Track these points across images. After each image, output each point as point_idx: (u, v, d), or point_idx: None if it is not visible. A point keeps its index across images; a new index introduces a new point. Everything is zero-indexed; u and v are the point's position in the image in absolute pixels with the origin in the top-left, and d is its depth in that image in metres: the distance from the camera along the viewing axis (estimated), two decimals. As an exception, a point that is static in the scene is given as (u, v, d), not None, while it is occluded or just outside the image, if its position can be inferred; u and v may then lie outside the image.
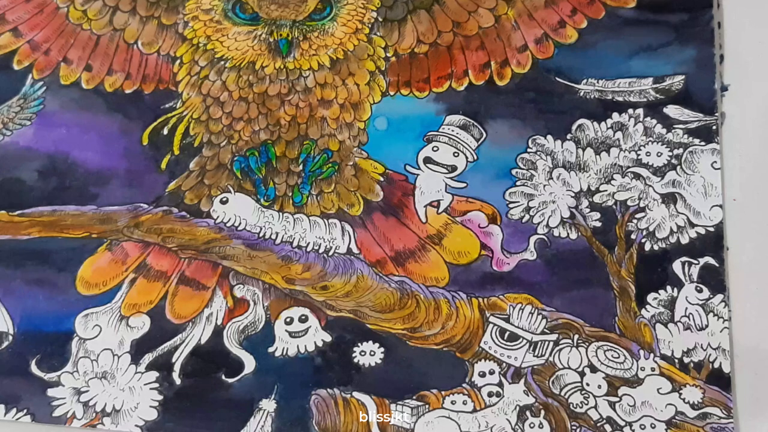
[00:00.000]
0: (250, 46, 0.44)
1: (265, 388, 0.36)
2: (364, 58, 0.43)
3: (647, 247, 0.38)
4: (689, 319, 0.36)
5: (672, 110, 0.41)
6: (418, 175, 0.41)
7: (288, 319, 0.38)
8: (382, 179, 0.41)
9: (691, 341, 0.36)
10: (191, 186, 0.41)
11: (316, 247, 0.39)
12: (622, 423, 0.34)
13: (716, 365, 0.35)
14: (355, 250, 0.39)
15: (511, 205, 0.40)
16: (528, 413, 0.35)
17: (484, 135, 0.41)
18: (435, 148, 0.41)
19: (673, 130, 0.40)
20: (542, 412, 0.35)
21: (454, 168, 0.41)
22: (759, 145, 0.40)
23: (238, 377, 0.36)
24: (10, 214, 0.41)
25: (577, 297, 0.37)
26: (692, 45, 0.41)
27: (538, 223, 0.39)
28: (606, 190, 0.39)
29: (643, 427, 0.34)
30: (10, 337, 0.38)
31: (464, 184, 0.40)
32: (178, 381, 0.37)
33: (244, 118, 0.42)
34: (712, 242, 0.38)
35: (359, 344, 0.37)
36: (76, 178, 0.41)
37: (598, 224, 0.39)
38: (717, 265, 0.37)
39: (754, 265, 0.37)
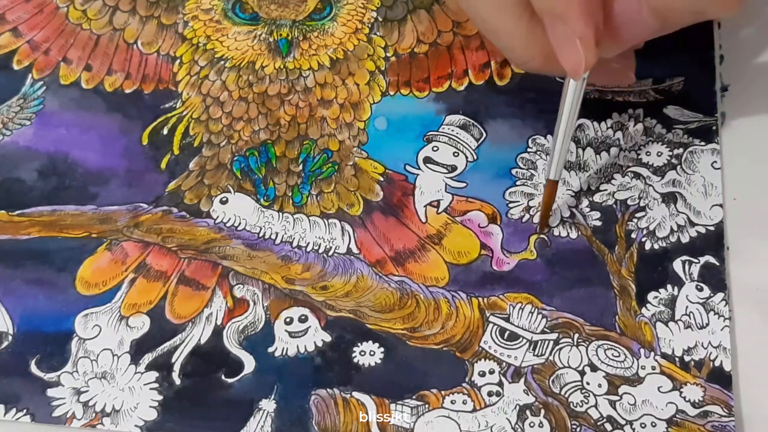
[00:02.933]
0: (250, 45, 0.44)
1: (265, 388, 0.36)
2: (364, 58, 0.43)
3: (647, 246, 0.38)
4: (690, 318, 0.36)
5: (672, 110, 0.41)
6: (418, 174, 0.41)
7: (288, 319, 0.37)
8: (382, 179, 0.41)
9: (691, 339, 0.36)
10: (191, 186, 0.41)
11: (316, 247, 0.39)
12: (623, 422, 0.34)
13: (717, 363, 0.35)
14: (355, 250, 0.39)
15: (511, 205, 0.39)
16: (528, 412, 0.35)
17: (484, 135, 0.41)
18: (435, 148, 0.41)
19: (673, 130, 0.40)
20: (542, 411, 0.35)
21: (454, 168, 0.41)
22: (759, 145, 0.40)
23: (238, 377, 0.36)
24: (9, 214, 0.41)
25: (577, 296, 0.37)
26: (692, 46, 0.41)
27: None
28: (606, 190, 0.39)
29: (643, 425, 0.34)
30: (10, 337, 0.38)
31: (464, 184, 0.40)
32: (177, 381, 0.36)
33: (244, 118, 0.42)
34: (713, 241, 0.38)
35: (359, 344, 0.37)
36: (76, 178, 0.41)
37: (599, 223, 0.39)
38: (717, 263, 0.37)
39: (754, 264, 0.37)
